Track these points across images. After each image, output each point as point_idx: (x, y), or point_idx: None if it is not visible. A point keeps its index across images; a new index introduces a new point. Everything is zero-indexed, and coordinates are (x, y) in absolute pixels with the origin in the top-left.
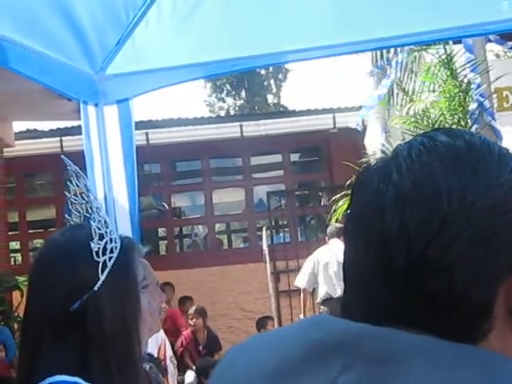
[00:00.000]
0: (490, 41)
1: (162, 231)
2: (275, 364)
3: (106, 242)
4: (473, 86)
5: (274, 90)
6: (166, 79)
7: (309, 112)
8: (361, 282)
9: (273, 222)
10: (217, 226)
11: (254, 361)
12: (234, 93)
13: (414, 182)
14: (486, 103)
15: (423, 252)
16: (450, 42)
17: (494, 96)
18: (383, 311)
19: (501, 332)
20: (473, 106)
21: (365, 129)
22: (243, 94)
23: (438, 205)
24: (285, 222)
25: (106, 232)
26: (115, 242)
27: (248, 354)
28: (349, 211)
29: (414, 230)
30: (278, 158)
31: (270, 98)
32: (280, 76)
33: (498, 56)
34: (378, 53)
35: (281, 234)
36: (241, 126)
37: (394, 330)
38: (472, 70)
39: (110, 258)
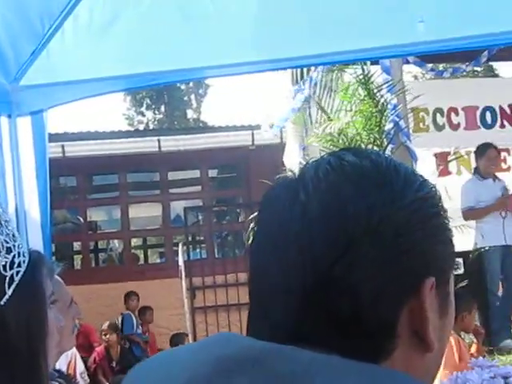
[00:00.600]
0: (407, 62)
1: (77, 245)
2: (184, 380)
3: (14, 256)
4: (389, 106)
5: (194, 105)
6: (81, 91)
7: (228, 128)
8: (266, 299)
9: (190, 238)
10: (133, 240)
11: (163, 377)
12: (153, 107)
13: (320, 202)
14: (402, 124)
15: (328, 271)
16: (368, 63)
17: (411, 117)
18: (288, 329)
19: (404, 351)
20: (389, 126)
21: (283, 146)
22: (163, 108)
23: (344, 225)
24: (202, 238)
25: (13, 245)
26: (23, 256)
27: (156, 369)
28: (255, 228)
29: (320, 250)
30: (196, 173)
31: (190, 113)
32: (200, 91)
33: (416, 77)
34: (299, 71)
35: (197, 250)
36: (159, 141)
37: (298, 348)
38: (389, 91)
39: (18, 273)
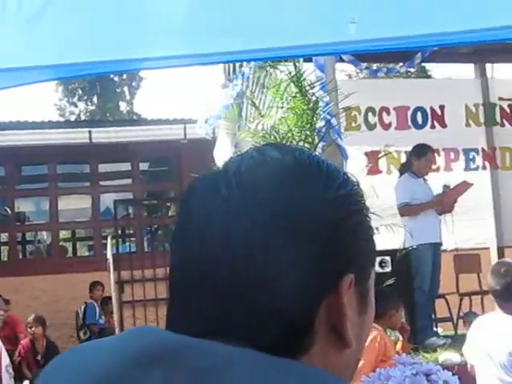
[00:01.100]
0: (342, 60)
1: (4, 236)
2: (98, 374)
3: None
4: (321, 104)
5: (128, 98)
6: (9, 80)
7: (160, 121)
8: (186, 292)
9: (119, 231)
10: (61, 232)
11: (77, 370)
12: (85, 98)
13: (241, 196)
14: (334, 122)
15: (248, 266)
16: (301, 60)
17: (343, 115)
18: (207, 323)
19: (322, 347)
20: (320, 123)
21: (215, 141)
22: (95, 99)
23: (264, 220)
24: (131, 232)
25: None
26: None
27: (71, 363)
28: (177, 222)
29: (240, 244)
30: (127, 166)
31: (123, 106)
32: (134, 83)
33: (350, 76)
34: (231, 66)
35: (127, 244)
36: (90, 132)
37: (215, 342)
38: (321, 89)
39: None
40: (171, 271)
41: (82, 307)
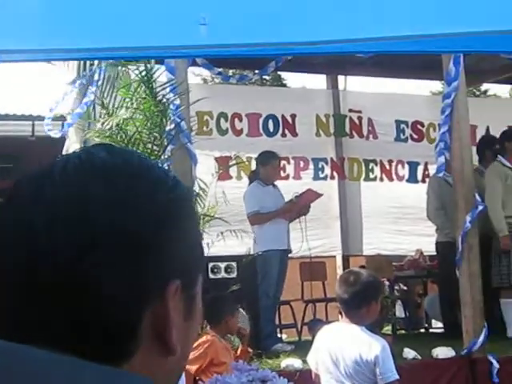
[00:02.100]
0: (196, 64)
1: None
2: None
3: None
4: (172, 106)
5: None
6: None
7: (7, 117)
8: (5, 296)
9: None
10: None
11: None
12: None
13: (66, 198)
14: (184, 125)
15: (69, 270)
16: (152, 61)
17: (195, 119)
18: (27, 329)
19: (146, 354)
20: (170, 126)
21: (64, 139)
22: None
23: (88, 223)
24: None
25: None
26: None
27: None
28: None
29: (62, 247)
30: None
31: None
32: None
33: (205, 81)
34: (82, 63)
35: None
36: None
37: (33, 348)
38: (171, 91)
39: None
40: None
41: None
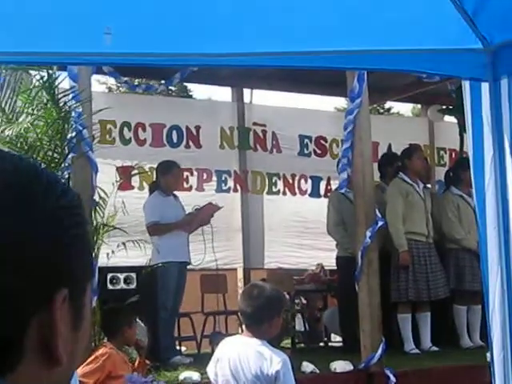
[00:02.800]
0: (101, 72)
1: None
2: None
3: None
4: (74, 114)
5: None
6: None
7: None
8: None
9: None
10: None
11: None
12: None
13: None
14: (86, 133)
15: None
16: (54, 67)
17: (97, 128)
18: None
19: (31, 365)
20: (72, 134)
21: None
22: None
23: None
24: None
25: None
26: None
27: None
28: None
29: None
30: None
31: None
32: None
33: (110, 89)
34: None
35: None
36: None
37: None
38: (73, 98)
39: None
40: None
41: None
